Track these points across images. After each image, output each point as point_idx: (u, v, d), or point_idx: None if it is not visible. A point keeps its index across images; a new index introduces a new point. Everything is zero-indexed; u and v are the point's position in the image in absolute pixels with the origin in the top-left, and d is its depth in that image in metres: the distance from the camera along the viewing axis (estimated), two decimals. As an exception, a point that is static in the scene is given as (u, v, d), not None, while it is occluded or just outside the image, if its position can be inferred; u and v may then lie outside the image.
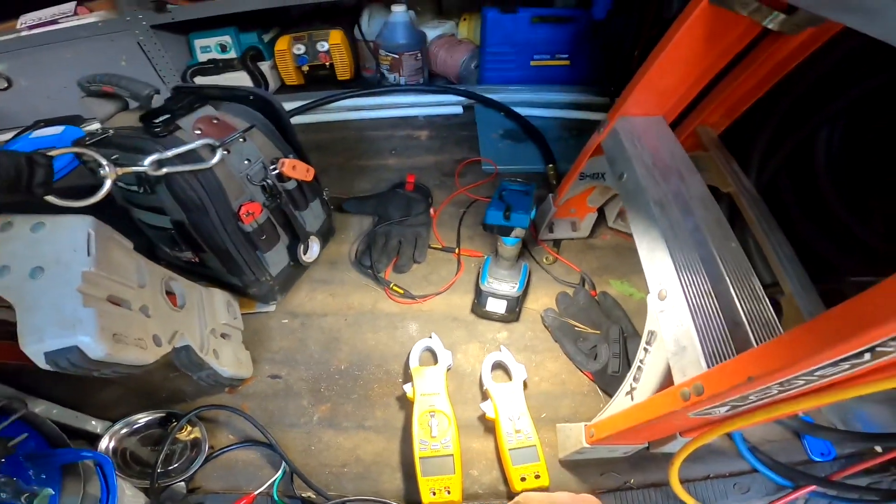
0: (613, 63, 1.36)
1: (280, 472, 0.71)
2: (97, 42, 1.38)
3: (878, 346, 0.32)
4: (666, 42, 0.63)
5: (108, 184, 0.59)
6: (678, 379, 0.48)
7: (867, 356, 0.34)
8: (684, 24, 0.60)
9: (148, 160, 0.62)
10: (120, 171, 0.61)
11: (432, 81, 1.57)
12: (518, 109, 1.38)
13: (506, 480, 0.70)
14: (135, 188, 0.70)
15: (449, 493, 0.66)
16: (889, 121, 0.69)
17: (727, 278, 0.51)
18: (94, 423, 0.74)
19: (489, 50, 1.44)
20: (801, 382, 0.39)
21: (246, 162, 0.74)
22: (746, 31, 0.61)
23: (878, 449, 0.68)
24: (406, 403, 0.78)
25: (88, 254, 0.54)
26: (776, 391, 0.41)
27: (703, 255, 0.53)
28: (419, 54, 1.45)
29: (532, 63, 1.47)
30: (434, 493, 0.66)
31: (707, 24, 0.60)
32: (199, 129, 0.71)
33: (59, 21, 1.37)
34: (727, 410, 0.47)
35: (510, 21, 1.38)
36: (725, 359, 0.45)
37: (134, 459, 0.71)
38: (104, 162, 0.59)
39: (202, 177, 0.68)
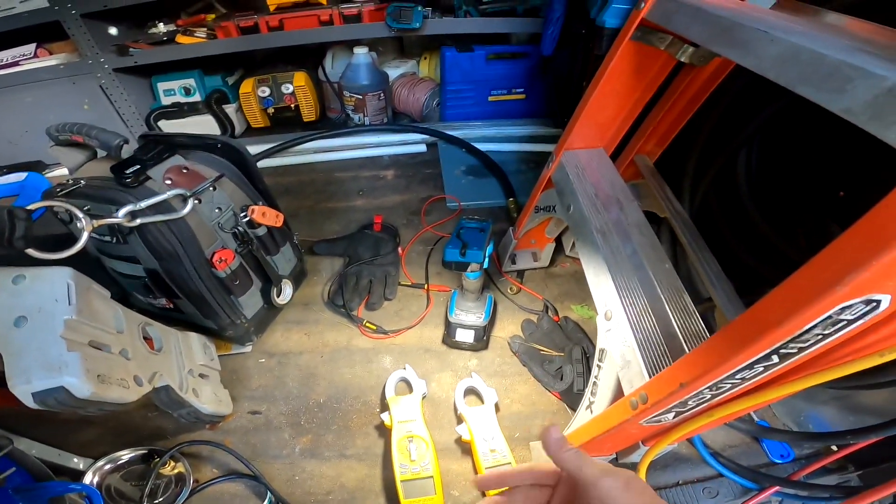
0: (564, 96, 1.44)
1: (265, 502, 0.72)
2: (59, 85, 1.38)
3: (781, 347, 0.37)
4: (599, 77, 0.70)
5: (84, 236, 0.61)
6: (627, 390, 0.53)
7: (775, 358, 0.39)
8: (613, 60, 0.67)
9: (122, 212, 0.65)
10: (96, 223, 0.63)
11: (396, 120, 1.63)
12: (479, 144, 1.45)
13: (484, 499, 0.73)
14: (107, 238, 0.71)
15: (431, 514, 0.69)
16: (797, 140, 0.77)
17: (662, 296, 0.57)
18: (76, 460, 0.74)
19: (449, 87, 1.52)
20: (728, 386, 0.44)
21: (217, 210, 0.77)
22: (665, 63, 0.69)
23: (834, 447, 0.74)
24: (385, 431, 0.80)
25: (70, 303, 0.57)
26: (709, 395, 0.46)
27: (640, 277, 0.59)
28: (382, 94, 1.50)
29: (490, 98, 1.56)
30: (417, 516, 0.69)
31: (632, 59, 0.67)
32: (170, 179, 0.73)
33: (21, 63, 1.37)
34: (674, 417, 0.52)
35: (467, 59, 1.46)
36: (663, 369, 0.50)
37: (118, 495, 0.71)
38: (80, 215, 0.61)
39: (175, 226, 0.71)
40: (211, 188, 0.76)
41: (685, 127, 0.84)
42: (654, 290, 0.58)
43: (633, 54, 0.67)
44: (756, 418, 0.80)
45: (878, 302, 0.31)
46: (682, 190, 0.84)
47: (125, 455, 0.75)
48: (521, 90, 1.55)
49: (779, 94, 0.76)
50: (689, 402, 0.48)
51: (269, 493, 0.73)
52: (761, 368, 0.41)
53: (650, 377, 0.50)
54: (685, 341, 0.52)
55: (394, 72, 1.62)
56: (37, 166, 1.51)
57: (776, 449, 0.78)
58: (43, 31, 1.33)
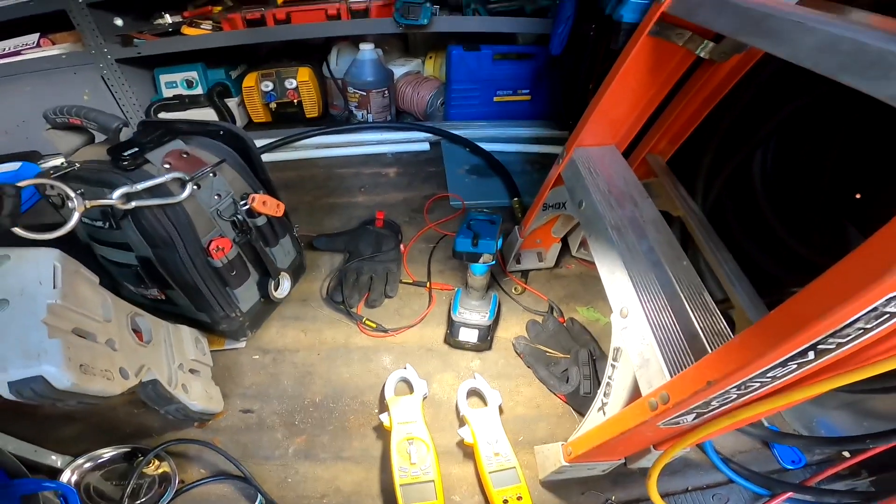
0: (571, 97, 1.43)
1: (256, 504, 0.69)
2: (59, 75, 1.37)
3: (820, 343, 0.35)
4: (614, 73, 0.69)
5: (75, 216, 0.58)
6: (645, 390, 0.50)
7: (811, 354, 0.36)
8: (629, 56, 0.66)
9: (116, 193, 0.62)
10: (88, 203, 0.60)
11: (399, 118, 1.62)
12: (483, 145, 1.43)
13: (488, 505, 0.70)
14: (99, 223, 0.69)
15: (432, 520, 0.65)
16: (815, 140, 0.76)
17: (681, 294, 0.55)
18: (54, 457, 0.70)
19: (454, 87, 1.50)
20: (757, 385, 0.42)
21: (216, 197, 0.74)
22: (683, 59, 0.67)
23: (846, 454, 0.71)
24: (384, 433, 0.77)
25: (55, 286, 0.54)
26: (734, 395, 0.43)
27: (658, 274, 0.57)
28: (387, 92, 1.49)
29: (495, 99, 1.55)
30: (417, 521, 0.65)
31: (649, 55, 0.66)
32: (169, 164, 0.71)
33: (23, 52, 1.35)
34: (694, 419, 0.50)
35: (474, 58, 1.45)
36: (686, 367, 0.47)
37: (98, 494, 0.67)
38: (72, 194, 0.59)
39: (171, 211, 0.68)
40: (211, 174, 0.74)
41: (698, 126, 0.83)
42: (673, 288, 0.55)
43: (651, 50, 0.65)
44: (766, 423, 0.78)
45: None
46: (695, 189, 0.83)
47: (107, 453, 0.71)
48: (527, 91, 1.54)
49: (797, 93, 0.75)
50: (713, 403, 0.45)
51: (259, 495, 0.69)
52: (794, 366, 0.39)
53: (671, 376, 0.47)
54: (707, 340, 0.50)
55: (399, 70, 1.61)
56: (32, 156, 1.48)
57: (787, 455, 0.76)
58: (47, 21, 1.31)
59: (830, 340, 0.35)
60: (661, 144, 0.86)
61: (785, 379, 0.41)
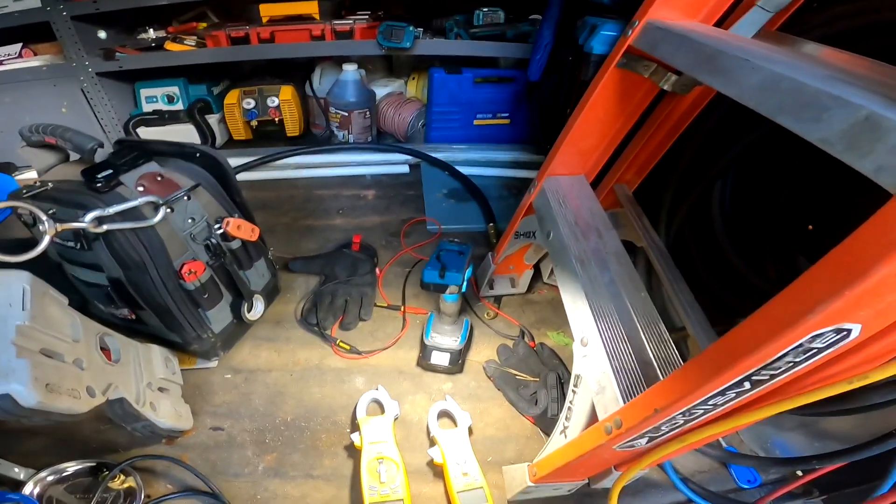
0: (548, 122, 1.45)
1: (224, 522, 0.68)
2: (39, 87, 1.36)
3: (754, 374, 0.37)
4: (583, 103, 0.71)
5: (46, 240, 0.59)
6: (601, 415, 0.53)
7: (747, 385, 0.39)
8: (598, 86, 0.68)
9: (88, 217, 0.62)
10: (59, 227, 0.60)
11: (380, 139, 1.63)
12: (462, 168, 1.45)
13: (456, 525, 0.71)
14: (71, 244, 0.69)
15: (400, 538, 0.66)
16: (770, 173, 0.80)
17: (638, 325, 0.57)
18: (17, 469, 0.69)
19: (435, 109, 1.53)
20: (700, 412, 0.44)
21: (190, 220, 0.75)
22: (648, 91, 0.70)
23: (799, 472, 0.75)
24: (355, 452, 0.77)
25: (24, 308, 0.55)
26: (681, 420, 0.46)
27: (617, 306, 0.59)
28: (368, 112, 1.51)
29: (475, 122, 1.57)
30: (386, 540, 0.66)
31: (616, 86, 0.69)
32: (143, 186, 0.71)
33: (4, 63, 1.34)
34: (647, 442, 0.52)
35: (455, 81, 1.48)
36: (638, 394, 0.50)
37: None
38: (44, 218, 0.59)
39: (143, 234, 0.68)
40: (185, 197, 0.74)
41: (663, 157, 0.86)
42: (631, 319, 0.58)
43: (618, 81, 0.68)
44: (724, 444, 0.80)
45: (849, 331, 0.32)
46: (658, 220, 0.86)
47: (71, 467, 0.70)
48: (506, 115, 1.57)
49: (752, 126, 0.79)
50: (663, 428, 0.47)
51: (227, 513, 0.69)
52: (733, 395, 0.41)
53: (625, 402, 0.49)
54: (660, 368, 0.52)
55: (381, 90, 1.63)
56: (7, 168, 1.46)
57: (743, 474, 0.79)
58: (29, 31, 1.31)
59: (763, 372, 0.37)
60: (628, 174, 0.89)
61: (726, 406, 0.44)
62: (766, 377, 0.38)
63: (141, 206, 0.68)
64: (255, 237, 0.83)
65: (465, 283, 0.82)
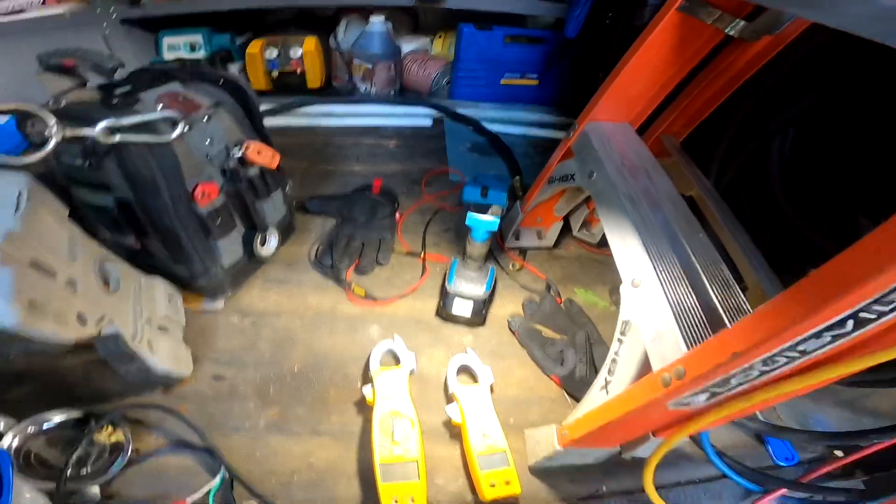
0: (579, 85, 1.41)
1: (218, 479, 0.62)
2: (59, 35, 1.30)
3: (861, 310, 0.32)
4: (635, 49, 0.65)
5: (53, 142, 0.54)
6: (657, 365, 0.47)
7: (849, 325, 0.33)
8: (654, 30, 0.62)
9: (99, 126, 0.58)
10: (69, 131, 0.56)
11: (402, 95, 1.58)
12: (486, 125, 1.39)
13: (473, 489, 0.66)
14: (79, 162, 0.63)
15: (413, 501, 0.61)
16: (834, 130, 0.74)
17: (698, 266, 0.51)
18: None
19: (462, 65, 1.46)
20: (783, 360, 0.38)
21: (208, 141, 0.69)
22: (709, 39, 0.64)
23: (839, 453, 0.69)
24: (365, 409, 0.72)
25: (17, 211, 0.49)
26: (758, 372, 0.40)
27: (673, 246, 0.53)
28: (393, 66, 1.45)
29: (502, 81, 1.50)
30: (396, 501, 0.61)
31: (675, 32, 0.63)
32: (162, 104, 0.66)
33: (26, 10, 1.28)
34: (707, 399, 0.46)
35: (485, 38, 1.41)
36: (704, 340, 0.44)
37: (39, 462, 0.60)
38: (52, 122, 0.54)
39: (157, 151, 0.63)
40: (205, 117, 0.69)
41: (716, 109, 0.80)
42: (689, 260, 0.52)
43: (677, 26, 0.62)
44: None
45: None
46: (708, 172, 0.80)
47: (56, 417, 0.64)
48: (535, 76, 1.50)
49: (821, 81, 0.73)
50: (732, 381, 0.41)
51: (222, 468, 0.63)
52: (829, 338, 0.35)
53: (689, 349, 0.43)
54: (725, 313, 0.46)
55: (406, 47, 1.57)
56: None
57: (780, 451, 0.74)
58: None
59: (875, 307, 0.31)
60: (676, 125, 0.83)
61: (815, 355, 0.37)
62: (874, 316, 0.32)
63: (157, 122, 0.62)
64: (275, 164, 0.77)
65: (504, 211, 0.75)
